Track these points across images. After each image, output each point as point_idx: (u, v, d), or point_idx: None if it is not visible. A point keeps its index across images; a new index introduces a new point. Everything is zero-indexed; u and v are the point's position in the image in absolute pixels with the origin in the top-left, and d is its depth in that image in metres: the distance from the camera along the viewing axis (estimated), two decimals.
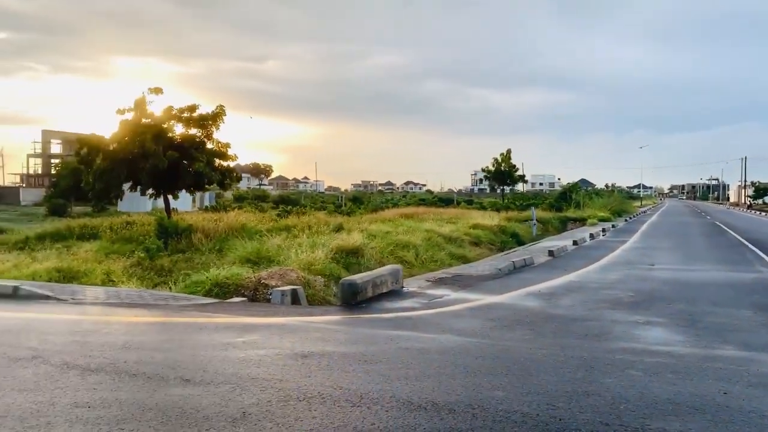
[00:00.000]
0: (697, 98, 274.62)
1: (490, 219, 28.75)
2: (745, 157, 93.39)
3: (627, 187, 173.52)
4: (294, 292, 11.64)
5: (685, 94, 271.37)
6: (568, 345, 6.75)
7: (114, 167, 22.70)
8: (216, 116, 22.92)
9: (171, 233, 19.58)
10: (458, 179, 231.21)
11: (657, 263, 14.89)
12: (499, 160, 47.92)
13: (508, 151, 48.00)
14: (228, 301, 10.56)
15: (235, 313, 8.86)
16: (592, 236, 23.10)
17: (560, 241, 21.26)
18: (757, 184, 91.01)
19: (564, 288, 11.11)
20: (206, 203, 62.47)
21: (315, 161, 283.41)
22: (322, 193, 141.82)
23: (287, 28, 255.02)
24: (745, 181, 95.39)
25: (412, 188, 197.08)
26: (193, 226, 20.36)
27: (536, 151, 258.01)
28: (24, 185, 78.58)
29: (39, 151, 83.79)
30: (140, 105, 23.04)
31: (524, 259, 14.50)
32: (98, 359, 5.90)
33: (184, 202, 54.27)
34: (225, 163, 23.74)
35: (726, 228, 30.80)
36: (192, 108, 23.06)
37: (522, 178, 49.14)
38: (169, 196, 24.38)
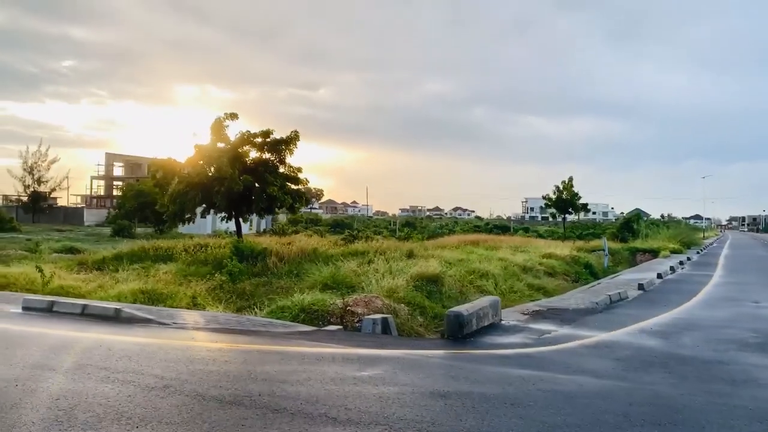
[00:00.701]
0: (755, 127, 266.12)
1: (561, 248, 27.97)
2: None
3: (683, 217, 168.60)
4: (384, 321, 11.37)
5: (741, 123, 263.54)
6: (721, 392, 6.22)
7: (189, 190, 23.04)
8: (290, 141, 23.06)
9: (247, 256, 19.62)
10: (507, 206, 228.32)
11: (760, 300, 14.04)
12: (561, 188, 46.97)
13: (570, 179, 47.05)
14: (326, 329, 10.32)
15: (342, 343, 8.60)
16: (672, 269, 22.15)
17: (641, 274, 20.43)
18: None
19: (675, 326, 10.47)
20: (263, 226, 63.11)
21: (366, 185, 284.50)
22: (371, 217, 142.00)
23: (339, 56, 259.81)
24: None
25: (460, 214, 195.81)
26: (267, 250, 20.36)
27: (587, 179, 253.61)
28: (87, 206, 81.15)
29: (102, 173, 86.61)
30: (216, 129, 23.41)
31: (619, 293, 13.87)
32: (230, 390, 5.69)
33: (243, 225, 55.30)
34: (295, 187, 23.83)
35: None
36: (266, 133, 23.29)
37: (585, 207, 47.97)
38: (233, 220, 24.65)
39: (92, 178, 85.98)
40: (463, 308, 9.63)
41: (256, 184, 22.82)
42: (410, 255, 21.97)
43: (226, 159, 22.39)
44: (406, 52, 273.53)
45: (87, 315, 10.07)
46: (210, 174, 22.20)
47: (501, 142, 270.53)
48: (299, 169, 23.87)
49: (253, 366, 6.75)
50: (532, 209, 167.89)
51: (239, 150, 22.77)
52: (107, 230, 52.52)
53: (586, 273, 24.47)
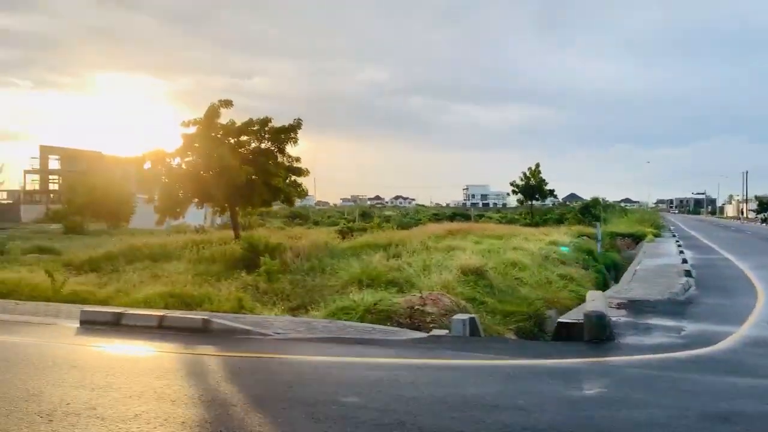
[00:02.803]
0: (674, 113, 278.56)
1: (555, 235, 27.81)
2: (746, 171, 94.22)
3: (613, 201, 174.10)
4: (472, 322, 10.58)
5: (661, 109, 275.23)
6: None
7: (182, 182, 21.43)
8: (292, 129, 21.74)
9: (261, 252, 18.28)
10: (446, 194, 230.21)
11: None
12: (528, 175, 47.14)
13: (537, 165, 47.34)
14: (435, 333, 9.34)
15: (492, 351, 7.75)
16: (681, 252, 22.23)
17: (659, 260, 20.37)
18: (761, 198, 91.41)
19: None
20: (218, 221, 60.63)
21: (313, 176, 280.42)
22: (318, 207, 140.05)
23: (273, 44, 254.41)
24: (747, 195, 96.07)
25: (401, 202, 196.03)
26: (282, 245, 19.07)
27: (521, 165, 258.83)
28: (21, 203, 76.15)
29: (36, 167, 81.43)
30: (211, 118, 21.80)
31: (683, 283, 13.53)
32: (479, 424, 4.72)
33: (195, 219, 52.70)
34: (297, 178, 22.55)
35: None
36: (265, 121, 21.88)
37: (552, 193, 48.35)
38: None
39: (25, 172, 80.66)
40: (599, 307, 8.90)
41: (254, 176, 21.39)
42: (426, 247, 21.21)
43: (226, 149, 20.90)
44: (341, 41, 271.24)
45: (166, 328, 8.77)
46: (211, 165, 20.60)
47: (437, 130, 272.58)
48: (298, 159, 22.60)
49: (458, 388, 5.78)
50: (473, 196, 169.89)
51: (241, 139, 21.29)
52: (53, 227, 49.07)
53: (590, 259, 24.34)
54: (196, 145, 21.50)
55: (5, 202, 75.09)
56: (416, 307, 12.05)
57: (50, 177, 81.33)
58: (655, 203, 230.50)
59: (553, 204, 57.53)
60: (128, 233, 41.78)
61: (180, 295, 13.48)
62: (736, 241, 32.26)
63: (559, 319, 10.71)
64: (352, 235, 25.27)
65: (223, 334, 8.44)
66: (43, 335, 8.52)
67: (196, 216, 53.46)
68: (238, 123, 22.04)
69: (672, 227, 48.05)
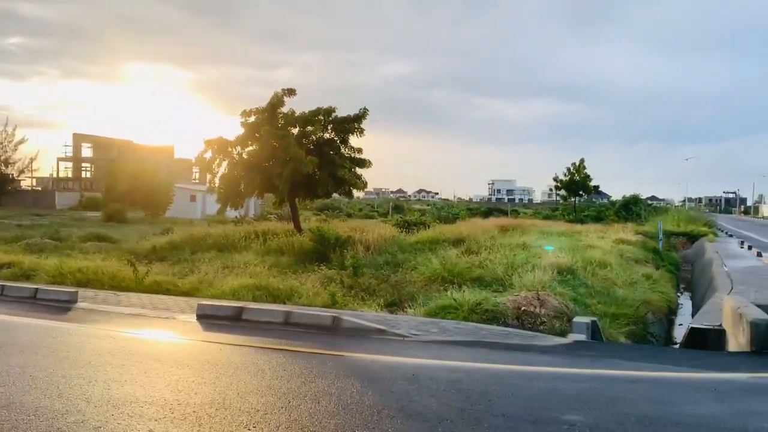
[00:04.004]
0: (705, 110, 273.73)
1: (618, 233, 26.98)
2: None
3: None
4: (594, 325, 9.99)
5: (691, 106, 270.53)
6: None
7: (246, 172, 20.97)
8: (358, 119, 21.15)
9: (332, 245, 17.77)
10: (470, 188, 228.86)
11: None
12: (572, 170, 46.17)
13: (582, 161, 46.33)
14: (577, 339, 8.71)
15: (657, 361, 7.09)
16: (759, 255, 21.36)
17: (742, 261, 19.52)
18: None
19: None
20: (251, 212, 60.43)
21: None
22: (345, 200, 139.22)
23: (298, 36, 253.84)
24: None
25: (424, 196, 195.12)
26: (352, 238, 18.52)
27: (546, 160, 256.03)
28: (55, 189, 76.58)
29: (69, 154, 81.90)
30: (275, 107, 21.30)
31: None
32: None
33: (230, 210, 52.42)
34: (360, 170, 21.98)
35: None
36: (329, 111, 21.34)
37: (596, 189, 47.32)
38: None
39: (59, 159, 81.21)
40: (761, 314, 8.20)
41: (318, 167, 20.84)
42: (494, 243, 20.52)
43: (291, 138, 20.39)
44: (367, 33, 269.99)
45: (291, 324, 8.24)
46: (276, 154, 20.09)
47: (461, 124, 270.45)
48: (360, 150, 22.00)
49: (678, 407, 5.15)
50: (498, 191, 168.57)
51: (307, 129, 20.75)
52: (89, 215, 49.10)
53: (658, 258, 23.58)
54: (259, 135, 21.04)
55: (37, 189, 75.56)
56: (523, 307, 11.49)
57: (82, 165, 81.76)
58: (681, 201, 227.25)
59: (581, 200, 55.71)
60: (169, 222, 41.65)
61: (266, 288, 13.04)
62: None
63: (692, 325, 10.05)
64: (410, 230, 24.61)
65: (355, 333, 7.91)
66: (171, 329, 8.04)
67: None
68: (299, 112, 21.56)
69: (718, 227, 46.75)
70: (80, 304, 9.51)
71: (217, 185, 21.92)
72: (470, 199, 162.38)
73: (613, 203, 58.71)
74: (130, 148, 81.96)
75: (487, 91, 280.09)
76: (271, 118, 21.19)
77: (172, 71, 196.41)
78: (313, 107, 21.14)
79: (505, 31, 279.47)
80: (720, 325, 9.72)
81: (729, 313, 9.15)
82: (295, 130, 21.61)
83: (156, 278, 13.76)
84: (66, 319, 8.51)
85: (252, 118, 21.81)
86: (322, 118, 21.31)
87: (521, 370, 6.37)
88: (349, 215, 59.30)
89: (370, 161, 21.92)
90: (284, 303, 11.96)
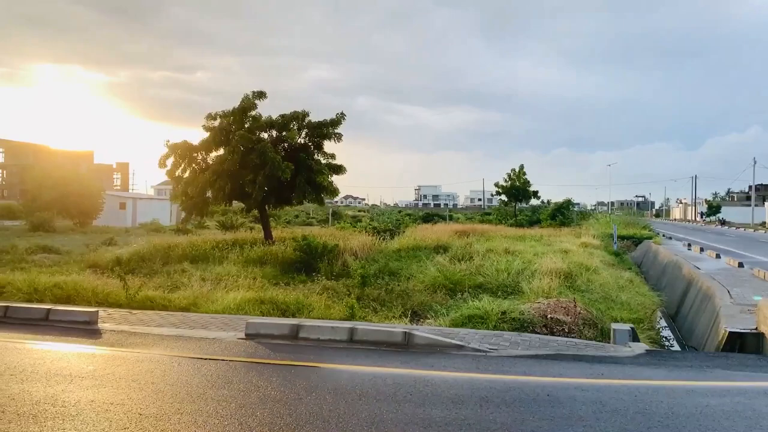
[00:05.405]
0: (612, 119, 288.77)
1: (586, 238, 27.60)
2: (695, 176, 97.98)
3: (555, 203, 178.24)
4: (633, 332, 9.96)
5: (599, 115, 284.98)
6: None
7: (216, 179, 19.91)
8: (333, 123, 20.53)
9: (319, 254, 17.10)
10: (395, 194, 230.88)
11: None
12: (512, 176, 47.04)
13: (521, 167, 47.19)
14: (648, 348, 8.55)
15: (747, 369, 7.01)
16: (718, 256, 22.23)
17: (707, 263, 20.23)
18: (710, 202, 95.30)
19: None
20: (192, 220, 57.83)
21: None
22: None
23: (216, 39, 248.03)
24: (695, 198, 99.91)
25: (351, 202, 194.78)
26: (338, 247, 17.87)
27: (466, 167, 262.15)
28: None
29: None
30: (245, 110, 20.38)
31: None
32: None
33: (146, 217, 50.00)
34: (336, 176, 21.36)
35: None
36: (303, 115, 20.63)
37: (536, 194, 48.39)
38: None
39: None
40: None
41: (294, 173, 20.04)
42: (471, 250, 20.38)
43: (267, 143, 19.54)
44: (288, 39, 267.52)
45: (357, 341, 7.65)
46: (251, 159, 19.16)
47: (384, 131, 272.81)
48: (333, 156, 21.39)
49: None
50: (425, 197, 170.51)
51: (283, 134, 19.93)
52: (10, 224, 45.58)
53: (619, 261, 24.21)
54: (229, 139, 20.06)
55: None
56: (549, 315, 11.36)
57: None
58: (593, 206, 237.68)
59: (508, 204, 56.34)
60: (101, 231, 39.41)
61: (272, 301, 12.34)
62: (735, 242, 32.80)
63: (729, 329, 10.15)
64: (381, 237, 24.15)
65: (434, 350, 7.42)
66: (236, 352, 7.26)
67: (148, 214, 51.02)
68: (274, 116, 20.76)
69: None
70: (103, 326, 8.52)
71: (180, 193, 20.65)
72: (396, 205, 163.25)
73: (546, 207, 60.36)
74: (46, 153, 77.23)
75: (408, 98, 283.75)
76: (241, 122, 20.28)
77: (84, 73, 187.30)
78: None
79: (425, 41, 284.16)
80: (756, 329, 9.86)
81: None
82: (265, 135, 20.79)
83: (146, 293, 12.73)
84: (105, 343, 7.55)
85: (217, 122, 20.80)
86: (296, 123, 20.58)
87: (654, 386, 6.09)
88: (288, 222, 58.04)
89: (345, 167, 21.34)
90: (293, 317, 11.32)
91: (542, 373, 6.51)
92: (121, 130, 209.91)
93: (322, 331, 7.82)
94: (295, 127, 20.16)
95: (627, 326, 10.09)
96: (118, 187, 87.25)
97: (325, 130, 20.46)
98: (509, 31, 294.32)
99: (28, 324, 8.50)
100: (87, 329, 8.29)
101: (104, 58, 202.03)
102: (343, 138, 20.35)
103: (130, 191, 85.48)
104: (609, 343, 8.85)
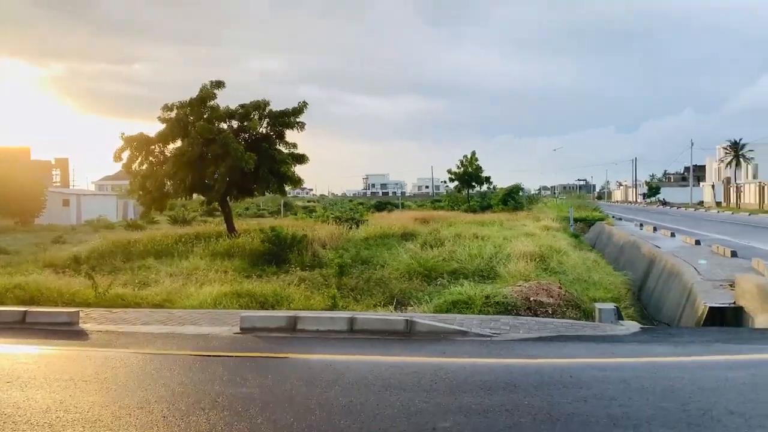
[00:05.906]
0: (553, 106, 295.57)
1: (547, 221, 28.07)
2: (635, 158, 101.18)
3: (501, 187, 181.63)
4: (617, 311, 10.18)
5: (542, 102, 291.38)
6: None
7: (176, 171, 19.31)
8: (295, 112, 20.16)
9: (289, 245, 16.81)
10: (343, 183, 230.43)
11: None
12: (465, 163, 47.49)
13: (473, 154, 47.73)
14: (643, 326, 8.69)
15: (751, 342, 7.21)
16: (673, 235, 22.91)
17: (664, 242, 20.84)
18: (650, 183, 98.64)
19: None
20: (130, 213, 56.26)
21: None
22: None
23: (153, 29, 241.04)
24: (636, 180, 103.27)
25: (299, 193, 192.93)
26: (307, 237, 17.59)
27: (414, 155, 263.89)
28: None
29: None
30: (203, 100, 19.79)
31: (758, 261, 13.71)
32: None
33: (91, 214, 48.22)
34: (300, 166, 21.03)
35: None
36: (263, 104, 20.19)
37: (488, 180, 48.99)
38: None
39: None
40: None
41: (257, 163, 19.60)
42: (438, 236, 20.42)
43: (228, 133, 19.04)
44: (229, 28, 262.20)
45: (357, 331, 7.50)
46: (213, 150, 18.64)
47: (331, 120, 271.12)
48: (295, 145, 21.05)
49: None
50: (373, 185, 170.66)
51: (245, 123, 19.44)
52: None
53: (578, 242, 24.74)
54: (189, 129, 19.46)
55: None
56: (532, 297, 11.46)
57: None
58: (537, 190, 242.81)
59: (459, 190, 56.75)
60: (44, 229, 37.83)
61: (249, 294, 12.08)
62: (681, 221, 34.01)
63: (710, 304, 10.43)
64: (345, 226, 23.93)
65: (437, 337, 7.34)
66: (236, 347, 6.99)
67: (94, 211, 49.22)
68: (232, 107, 20.25)
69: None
70: (86, 326, 8.10)
71: (138, 187, 19.94)
72: (344, 195, 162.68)
73: (494, 193, 61.17)
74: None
75: (354, 88, 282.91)
76: (199, 113, 19.69)
77: (15, 66, 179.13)
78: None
79: (369, 29, 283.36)
80: (734, 303, 10.18)
81: (753, 291, 9.55)
82: (225, 125, 20.27)
83: (116, 291, 12.24)
84: (95, 344, 7.16)
85: (173, 113, 20.15)
86: (257, 112, 20.13)
87: (668, 362, 6.13)
88: (240, 215, 56.99)
89: (307, 157, 21.02)
90: (274, 308, 11.11)
91: (555, 355, 6.52)
92: (58, 125, 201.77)
93: (321, 322, 7.63)
94: (257, 117, 19.68)
95: (611, 305, 10.28)
96: (58, 184, 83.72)
97: (288, 119, 20.10)
98: (455, 19, 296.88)
99: (5, 328, 7.99)
100: (70, 330, 7.87)
101: (37, 50, 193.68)
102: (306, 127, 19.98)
103: (71, 188, 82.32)
104: (594, 322, 8.97)
